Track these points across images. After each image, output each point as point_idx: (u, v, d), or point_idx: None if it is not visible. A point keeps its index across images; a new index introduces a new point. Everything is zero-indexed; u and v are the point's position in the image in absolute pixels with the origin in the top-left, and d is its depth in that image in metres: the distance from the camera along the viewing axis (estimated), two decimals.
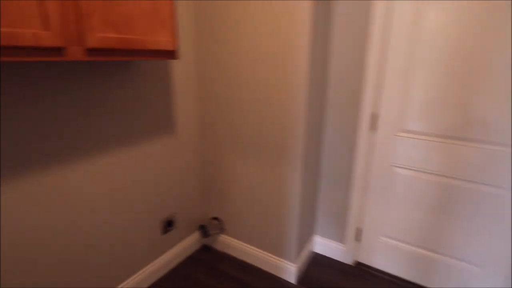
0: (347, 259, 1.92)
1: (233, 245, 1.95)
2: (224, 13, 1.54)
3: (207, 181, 1.95)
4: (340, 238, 1.92)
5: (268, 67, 1.48)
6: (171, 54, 1.24)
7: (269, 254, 1.82)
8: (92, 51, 0.95)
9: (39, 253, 1.18)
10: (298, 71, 1.40)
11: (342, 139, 1.72)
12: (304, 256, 1.85)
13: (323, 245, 1.99)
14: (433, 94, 1.44)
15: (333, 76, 1.65)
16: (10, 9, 0.75)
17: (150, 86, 1.49)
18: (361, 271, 1.86)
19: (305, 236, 1.83)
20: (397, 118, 1.57)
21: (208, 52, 1.66)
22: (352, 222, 1.83)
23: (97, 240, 1.40)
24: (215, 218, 2.00)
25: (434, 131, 1.49)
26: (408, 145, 1.57)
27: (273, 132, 1.57)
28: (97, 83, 1.26)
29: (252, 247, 1.88)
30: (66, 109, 1.17)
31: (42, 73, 1.08)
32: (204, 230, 1.91)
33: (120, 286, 1.55)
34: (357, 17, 1.51)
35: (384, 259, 1.82)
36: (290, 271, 1.75)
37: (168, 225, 1.79)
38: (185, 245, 1.94)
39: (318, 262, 1.94)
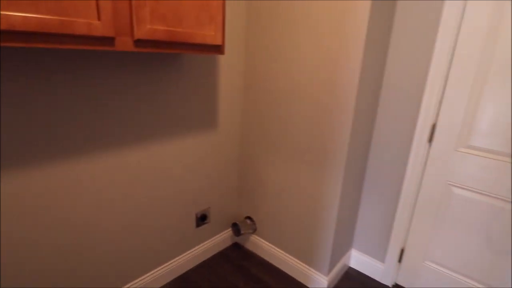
0: (385, 280, 1.76)
1: (264, 246, 1.90)
2: (274, 15, 1.48)
3: (243, 180, 1.92)
4: (380, 256, 1.77)
5: (316, 68, 1.40)
6: (217, 49, 1.22)
7: (299, 262, 1.74)
8: (140, 42, 0.96)
9: (86, 231, 1.25)
10: (347, 74, 1.30)
11: (392, 149, 1.57)
12: (337, 269, 1.74)
13: (360, 260, 1.85)
14: (510, 108, 1.24)
15: (388, 80, 1.51)
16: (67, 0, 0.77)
17: (195, 81, 1.49)
18: None
19: (341, 249, 1.72)
20: (460, 132, 1.38)
21: (256, 51, 1.63)
22: (395, 240, 1.67)
23: (135, 226, 1.45)
24: (249, 218, 1.97)
25: (506, 150, 1.28)
26: (472, 162, 1.37)
27: (316, 135, 1.48)
28: (144, 76, 1.29)
29: (283, 252, 1.81)
30: (113, 99, 1.21)
31: (93, 63, 1.13)
32: (236, 228, 1.89)
33: (151, 272, 1.59)
34: (422, 16, 1.35)
35: (427, 286, 1.64)
36: (320, 283, 1.65)
37: (202, 219, 1.80)
38: (217, 241, 1.94)
39: (352, 278, 1.81)
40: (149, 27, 0.96)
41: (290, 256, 1.78)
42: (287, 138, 1.61)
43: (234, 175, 1.92)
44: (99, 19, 0.84)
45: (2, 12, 0.68)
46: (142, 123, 1.34)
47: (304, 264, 1.72)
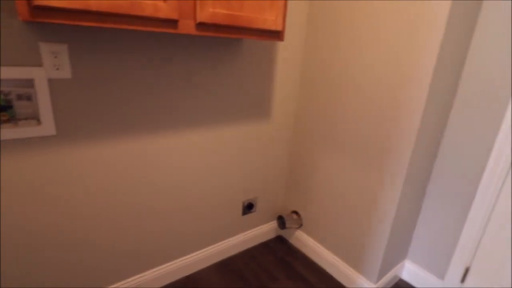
0: None
1: (308, 243, 1.84)
2: (338, 11, 1.39)
3: (293, 173, 1.87)
4: (438, 272, 1.59)
5: (380, 69, 1.27)
6: (277, 35, 1.18)
7: (346, 265, 1.65)
8: (202, 26, 0.97)
9: (143, 208, 1.35)
10: (416, 82, 1.16)
11: (465, 157, 1.38)
12: (387, 279, 1.60)
13: (414, 273, 1.69)
14: None
15: (466, 83, 1.32)
16: None
17: (252, 69, 1.48)
18: None
19: (393, 258, 1.58)
20: None
21: (316, 46, 1.55)
22: (459, 258, 1.48)
23: (186, 207, 1.51)
24: (295, 212, 1.92)
25: None
26: None
27: (377, 133, 1.36)
28: (204, 60, 1.31)
29: (329, 252, 1.73)
30: (170, 81, 1.26)
31: (158, 46, 1.18)
32: (282, 221, 1.86)
33: (196, 252, 1.66)
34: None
35: None
36: None
37: (248, 207, 1.80)
38: (261, 231, 1.93)
39: None
40: (211, 10, 0.96)
41: (337, 258, 1.70)
42: (343, 135, 1.51)
43: (284, 167, 1.89)
44: (164, 0, 0.86)
45: None
46: (199, 107, 1.37)
47: (351, 268, 1.63)
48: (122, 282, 1.41)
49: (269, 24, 1.12)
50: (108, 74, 1.09)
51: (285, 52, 1.57)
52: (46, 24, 0.94)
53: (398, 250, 1.59)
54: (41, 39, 0.94)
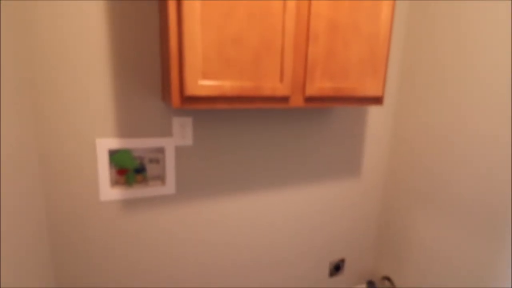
0: None
1: None
2: (434, 60, 1.37)
3: (384, 234, 1.75)
4: None
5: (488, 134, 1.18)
6: (377, 100, 1.20)
7: None
8: (309, 99, 1.05)
9: (213, 264, 1.40)
10: None
11: None
12: None
13: None
14: None
15: None
16: (261, 67, 0.93)
17: (343, 129, 1.50)
18: None
19: None
20: None
21: (410, 100, 1.52)
22: None
23: (269, 264, 1.51)
24: (387, 278, 1.75)
25: None
26: None
27: (488, 193, 1.22)
28: (297, 125, 1.39)
29: None
30: (268, 147, 1.35)
31: (256, 117, 1.30)
32: (372, 287, 1.71)
33: None
34: None
35: None
36: None
37: (336, 269, 1.71)
38: None
39: None
40: (318, 85, 1.04)
41: None
42: (443, 193, 1.39)
43: (373, 228, 1.78)
44: (281, 82, 0.97)
45: (210, 83, 0.87)
46: (290, 168, 1.42)
47: None
48: None
49: (370, 91, 1.15)
50: (221, 141, 1.24)
51: (378, 110, 1.57)
52: None
53: None
54: (174, 115, 1.13)
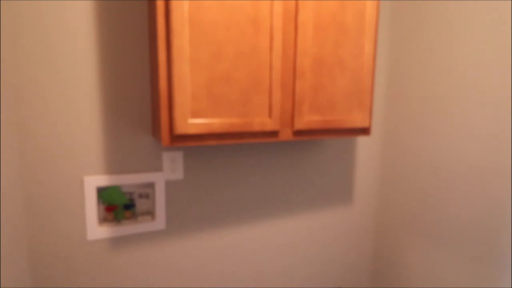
0: None
1: None
2: (418, 89, 1.42)
3: (379, 261, 1.73)
4: None
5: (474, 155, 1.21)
6: (364, 131, 1.23)
7: None
8: (298, 132, 1.07)
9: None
10: None
11: None
12: None
13: None
14: None
15: None
16: (250, 104, 0.95)
17: (333, 159, 1.52)
18: None
19: None
20: None
21: (397, 128, 1.56)
22: None
23: None
24: None
25: None
26: None
27: (484, 224, 1.22)
28: (287, 157, 1.40)
29: None
30: (257, 180, 1.35)
31: (245, 151, 1.31)
32: None
33: None
34: None
35: None
36: None
37: None
38: None
39: None
40: (306, 119, 1.06)
41: None
42: (435, 222, 1.39)
43: (368, 255, 1.76)
44: (270, 117, 0.99)
45: (200, 121, 0.88)
46: (281, 199, 1.42)
47: None
48: None
49: (357, 122, 1.18)
50: (212, 175, 1.23)
51: (365, 140, 1.60)
52: None
53: None
54: (164, 150, 1.13)
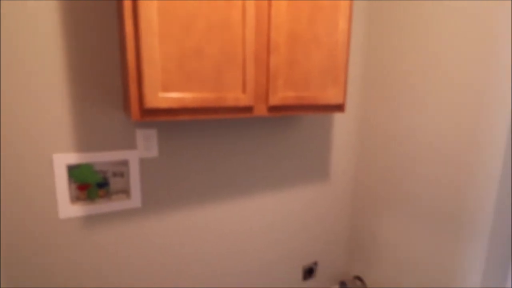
0: None
1: None
2: (395, 66, 1.45)
3: (355, 236, 1.80)
4: None
5: (449, 130, 1.26)
6: (338, 108, 1.25)
7: None
8: (273, 108, 1.07)
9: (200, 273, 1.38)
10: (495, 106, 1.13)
11: None
12: None
13: None
14: None
15: None
16: (223, 78, 0.94)
17: (310, 136, 1.54)
18: None
19: None
20: None
21: (374, 105, 1.59)
22: None
23: (244, 270, 1.51)
24: (358, 278, 1.80)
25: None
26: None
27: (446, 196, 1.29)
28: (264, 133, 1.41)
29: None
30: (236, 157, 1.36)
31: (226, 127, 1.30)
32: (344, 287, 1.75)
33: None
34: None
35: None
36: None
37: (309, 272, 1.74)
38: None
39: None
40: (281, 95, 1.06)
41: None
42: (408, 196, 1.46)
43: (344, 230, 1.83)
44: (244, 92, 0.98)
45: (171, 95, 0.87)
46: (259, 176, 1.44)
47: None
48: None
49: (332, 99, 1.19)
50: (187, 152, 1.22)
51: (341, 117, 1.63)
52: None
53: None
54: (137, 127, 1.11)
